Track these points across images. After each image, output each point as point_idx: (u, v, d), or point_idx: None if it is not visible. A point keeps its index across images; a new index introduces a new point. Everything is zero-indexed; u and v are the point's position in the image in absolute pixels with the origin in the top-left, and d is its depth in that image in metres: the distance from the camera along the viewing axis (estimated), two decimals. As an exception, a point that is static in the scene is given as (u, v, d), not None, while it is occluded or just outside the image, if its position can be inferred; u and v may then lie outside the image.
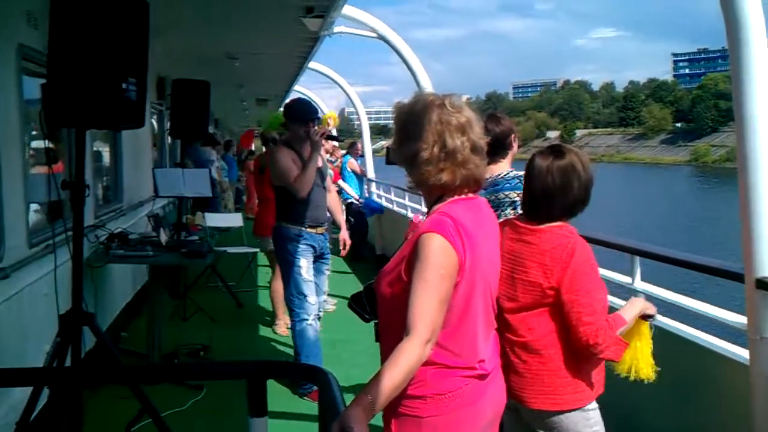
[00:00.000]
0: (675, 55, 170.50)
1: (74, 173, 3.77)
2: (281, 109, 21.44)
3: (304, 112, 5.29)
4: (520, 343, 2.72)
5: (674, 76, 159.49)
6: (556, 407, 2.70)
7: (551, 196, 2.75)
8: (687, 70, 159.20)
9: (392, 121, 2.33)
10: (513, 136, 3.61)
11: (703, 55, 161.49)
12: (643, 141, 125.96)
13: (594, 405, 2.77)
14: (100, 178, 7.15)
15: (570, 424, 2.71)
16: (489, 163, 2.38)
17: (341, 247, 5.59)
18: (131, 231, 6.33)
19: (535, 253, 2.70)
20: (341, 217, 5.83)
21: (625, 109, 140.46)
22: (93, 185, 6.31)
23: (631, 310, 2.82)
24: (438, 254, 2.07)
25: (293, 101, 5.67)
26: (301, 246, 5.18)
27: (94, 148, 6.76)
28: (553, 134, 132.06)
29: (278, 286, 6.76)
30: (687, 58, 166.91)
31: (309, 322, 5.14)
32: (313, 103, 6.07)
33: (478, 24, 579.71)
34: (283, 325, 6.95)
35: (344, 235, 5.61)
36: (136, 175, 8.03)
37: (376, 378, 2.00)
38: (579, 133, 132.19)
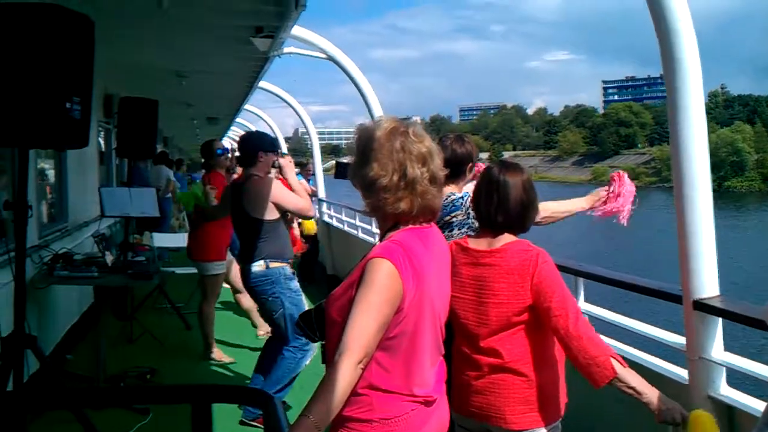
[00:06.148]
0: (605, 82, 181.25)
1: (17, 193, 3.71)
2: (228, 140, 20.88)
3: (272, 142, 5.19)
4: (499, 365, 2.70)
5: (604, 102, 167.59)
6: (536, 425, 2.69)
7: (526, 210, 2.81)
8: (616, 97, 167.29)
9: (353, 142, 2.29)
10: (472, 163, 3.62)
11: (630, 83, 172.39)
12: (559, 162, 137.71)
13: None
14: (44, 197, 7.02)
15: None
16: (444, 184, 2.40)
17: None
18: (76, 251, 6.22)
19: (501, 273, 2.70)
20: None
21: (549, 133, 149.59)
22: (37, 204, 6.20)
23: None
24: (383, 278, 2.09)
25: (251, 135, 5.54)
26: (295, 282, 4.93)
27: (39, 166, 6.63)
28: (484, 155, 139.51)
29: (209, 310, 6.69)
30: (616, 85, 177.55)
31: (311, 354, 4.51)
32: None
33: (434, 45, 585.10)
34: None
35: None
36: (82, 194, 7.89)
37: (316, 398, 2.01)
38: (506, 154, 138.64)
